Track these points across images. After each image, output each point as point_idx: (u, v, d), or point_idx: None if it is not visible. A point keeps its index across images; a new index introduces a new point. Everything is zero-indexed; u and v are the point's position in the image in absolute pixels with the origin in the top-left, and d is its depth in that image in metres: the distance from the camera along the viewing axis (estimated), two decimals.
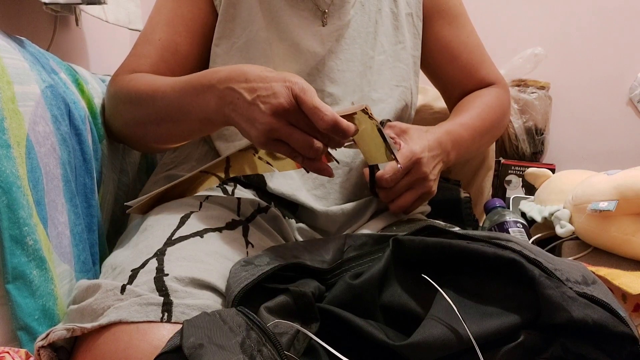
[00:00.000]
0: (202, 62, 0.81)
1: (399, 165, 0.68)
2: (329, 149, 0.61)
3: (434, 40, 0.91)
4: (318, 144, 0.57)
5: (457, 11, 0.92)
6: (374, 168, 0.70)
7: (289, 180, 0.77)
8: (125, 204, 0.72)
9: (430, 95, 1.17)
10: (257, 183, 0.77)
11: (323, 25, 0.81)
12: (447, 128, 0.79)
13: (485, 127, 0.86)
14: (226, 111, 0.61)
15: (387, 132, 0.74)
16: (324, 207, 0.77)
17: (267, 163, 0.67)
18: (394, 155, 0.62)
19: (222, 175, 0.70)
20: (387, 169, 0.70)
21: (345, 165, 0.79)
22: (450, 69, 0.92)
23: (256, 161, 0.67)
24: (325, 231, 0.78)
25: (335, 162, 0.62)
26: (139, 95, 0.71)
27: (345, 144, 0.61)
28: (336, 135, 0.57)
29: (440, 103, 1.13)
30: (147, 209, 0.71)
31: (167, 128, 0.71)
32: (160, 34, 0.78)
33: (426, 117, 1.14)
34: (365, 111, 0.59)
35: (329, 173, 0.61)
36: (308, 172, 0.61)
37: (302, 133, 0.57)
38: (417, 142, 0.73)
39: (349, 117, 0.59)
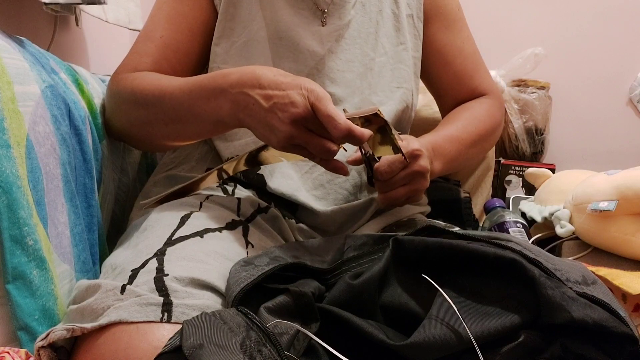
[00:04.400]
0: (203, 60, 0.81)
1: (407, 161, 0.69)
2: None
3: (429, 43, 0.90)
4: (334, 147, 0.59)
5: (455, 16, 0.91)
6: (370, 160, 0.70)
7: (288, 180, 0.77)
8: (140, 202, 0.74)
9: (430, 95, 1.17)
10: (257, 183, 0.77)
11: (323, 25, 0.81)
12: (428, 139, 0.78)
13: (471, 139, 0.84)
14: (241, 116, 0.61)
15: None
16: (323, 207, 0.77)
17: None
18: (402, 151, 0.64)
19: (231, 170, 0.72)
20: (383, 161, 0.70)
21: None
22: (444, 73, 0.91)
23: (265, 156, 0.69)
24: (325, 231, 0.78)
25: (343, 149, 0.63)
26: (144, 96, 0.70)
27: None
28: (350, 142, 0.58)
29: None
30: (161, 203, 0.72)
31: (175, 128, 0.70)
32: (162, 32, 0.78)
33: (426, 117, 1.14)
34: (376, 115, 0.60)
35: (344, 172, 0.63)
36: (316, 161, 0.63)
37: (319, 138, 0.59)
38: (415, 141, 0.73)
39: (359, 119, 0.60)
